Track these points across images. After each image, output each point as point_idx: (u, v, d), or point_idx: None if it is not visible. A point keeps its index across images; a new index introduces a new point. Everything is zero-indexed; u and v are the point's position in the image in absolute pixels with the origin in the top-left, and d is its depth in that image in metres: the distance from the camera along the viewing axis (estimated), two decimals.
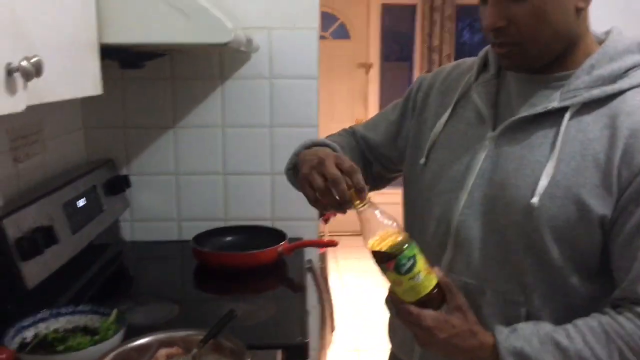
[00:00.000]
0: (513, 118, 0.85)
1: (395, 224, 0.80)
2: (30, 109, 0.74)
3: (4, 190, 1.30)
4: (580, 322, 0.81)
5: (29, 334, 1.07)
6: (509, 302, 0.84)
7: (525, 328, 0.81)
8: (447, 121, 0.95)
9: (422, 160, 0.96)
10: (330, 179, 0.78)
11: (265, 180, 1.79)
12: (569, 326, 0.80)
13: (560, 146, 0.80)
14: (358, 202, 0.78)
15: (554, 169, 0.80)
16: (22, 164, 1.39)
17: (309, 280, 1.62)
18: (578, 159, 0.79)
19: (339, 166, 0.79)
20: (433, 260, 0.86)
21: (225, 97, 1.74)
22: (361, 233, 0.80)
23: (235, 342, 1.02)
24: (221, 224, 1.78)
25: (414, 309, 0.80)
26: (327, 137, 1.09)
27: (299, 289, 1.47)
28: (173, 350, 1.02)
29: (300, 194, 0.86)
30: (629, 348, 0.77)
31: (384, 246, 0.78)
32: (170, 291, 1.50)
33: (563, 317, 0.83)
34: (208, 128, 1.76)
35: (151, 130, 1.76)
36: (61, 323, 1.11)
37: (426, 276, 0.80)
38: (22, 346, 1.04)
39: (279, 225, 1.77)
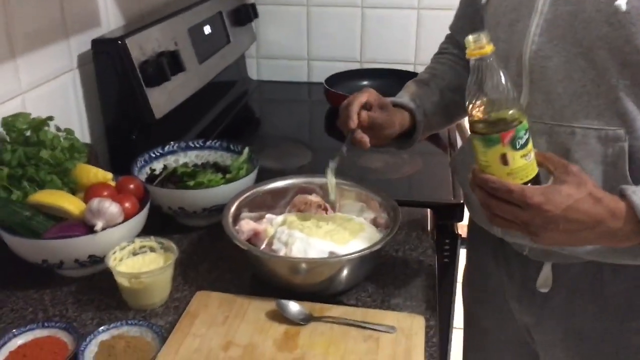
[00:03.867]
0: None
1: (513, 89, 0.62)
2: None
3: (124, 10, 1.17)
4: None
5: (157, 165, 0.99)
6: (606, 139, 0.70)
7: None
8: None
9: (484, 0, 0.82)
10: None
11: (411, 15, 1.53)
12: None
13: None
14: (473, 47, 0.60)
15: None
16: None
17: (457, 137, 1.40)
18: None
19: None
20: None
21: None
22: (466, 89, 0.62)
23: (384, 195, 0.87)
24: (356, 67, 1.58)
25: (515, 186, 0.62)
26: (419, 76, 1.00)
27: (446, 145, 1.27)
28: (312, 197, 0.89)
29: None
30: None
31: (502, 112, 0.61)
32: (301, 135, 1.37)
33: None
34: None
35: None
36: (190, 158, 1.02)
37: (534, 157, 0.64)
38: (151, 178, 0.96)
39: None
